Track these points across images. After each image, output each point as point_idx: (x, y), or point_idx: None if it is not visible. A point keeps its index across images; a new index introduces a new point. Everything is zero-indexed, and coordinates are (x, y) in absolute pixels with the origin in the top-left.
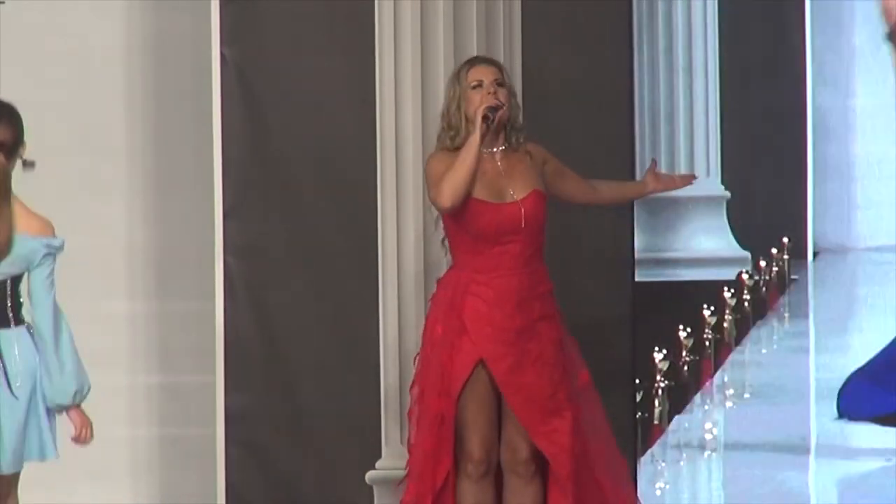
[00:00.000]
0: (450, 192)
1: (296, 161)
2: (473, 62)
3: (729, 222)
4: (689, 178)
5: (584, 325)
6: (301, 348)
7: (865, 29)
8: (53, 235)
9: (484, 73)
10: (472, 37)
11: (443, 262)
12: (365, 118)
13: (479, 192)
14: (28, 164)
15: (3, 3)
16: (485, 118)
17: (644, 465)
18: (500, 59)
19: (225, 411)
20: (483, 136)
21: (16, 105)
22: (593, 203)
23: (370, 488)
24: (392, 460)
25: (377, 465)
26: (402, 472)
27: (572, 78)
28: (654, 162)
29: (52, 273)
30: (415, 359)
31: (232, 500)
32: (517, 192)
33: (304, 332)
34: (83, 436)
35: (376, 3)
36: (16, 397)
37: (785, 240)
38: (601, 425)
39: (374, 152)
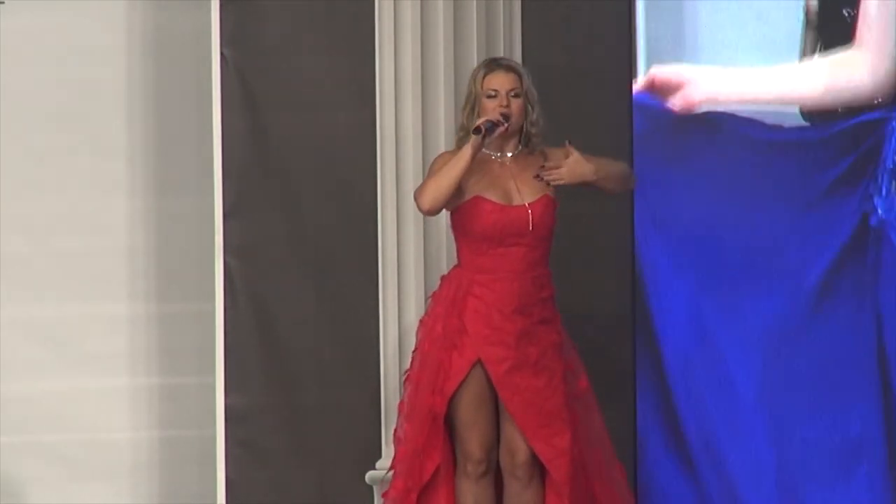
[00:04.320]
0: (430, 197)
1: (296, 161)
2: (492, 67)
3: None
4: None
5: (584, 324)
6: (301, 349)
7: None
8: None
9: (501, 83)
10: (472, 37)
11: (443, 261)
12: (365, 118)
13: (486, 192)
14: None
15: (3, 3)
16: (477, 130)
17: None
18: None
19: (225, 411)
20: (477, 149)
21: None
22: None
23: (370, 488)
24: (392, 460)
25: (377, 465)
26: None
27: (572, 78)
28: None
29: None
30: (412, 354)
31: (232, 500)
32: (526, 195)
33: (304, 333)
34: None
35: (376, 3)
36: None
37: None
38: (599, 431)
39: (374, 152)
